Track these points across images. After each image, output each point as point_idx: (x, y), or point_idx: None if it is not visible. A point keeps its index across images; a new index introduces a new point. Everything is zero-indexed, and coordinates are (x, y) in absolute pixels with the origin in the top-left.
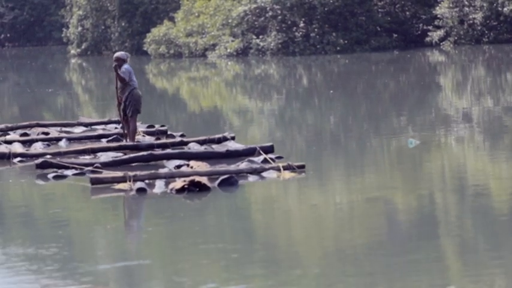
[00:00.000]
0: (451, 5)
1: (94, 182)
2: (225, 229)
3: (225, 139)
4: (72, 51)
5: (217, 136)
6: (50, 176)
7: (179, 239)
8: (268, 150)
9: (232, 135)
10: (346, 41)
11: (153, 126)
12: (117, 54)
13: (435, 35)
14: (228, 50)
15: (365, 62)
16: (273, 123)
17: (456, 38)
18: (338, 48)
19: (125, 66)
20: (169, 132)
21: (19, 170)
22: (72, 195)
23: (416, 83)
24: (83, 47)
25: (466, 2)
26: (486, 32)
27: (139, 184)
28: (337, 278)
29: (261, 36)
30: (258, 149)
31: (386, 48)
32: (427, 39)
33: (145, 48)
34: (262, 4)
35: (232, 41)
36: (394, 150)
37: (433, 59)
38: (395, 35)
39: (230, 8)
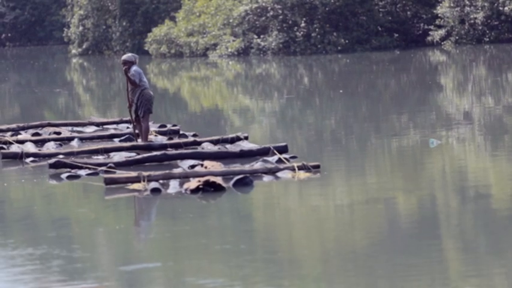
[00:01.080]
0: (452, 5)
1: (108, 182)
2: (241, 230)
3: (238, 139)
4: (73, 51)
5: (230, 136)
6: (64, 176)
7: (194, 239)
8: (282, 150)
9: (246, 135)
10: (347, 41)
11: (165, 126)
12: (124, 57)
13: (436, 35)
14: (229, 50)
15: (366, 62)
16: (280, 123)
17: (457, 37)
18: (339, 47)
19: (134, 68)
20: (181, 132)
21: (32, 170)
22: (86, 196)
23: (419, 83)
24: (84, 46)
25: (467, 2)
26: (487, 31)
27: (153, 184)
28: (362, 279)
29: (262, 36)
30: (272, 148)
31: (387, 47)
32: (428, 38)
33: (146, 48)
34: (263, 4)
35: (233, 40)
36: (408, 149)
37: (434, 58)
38: (396, 35)
39: (231, 7)
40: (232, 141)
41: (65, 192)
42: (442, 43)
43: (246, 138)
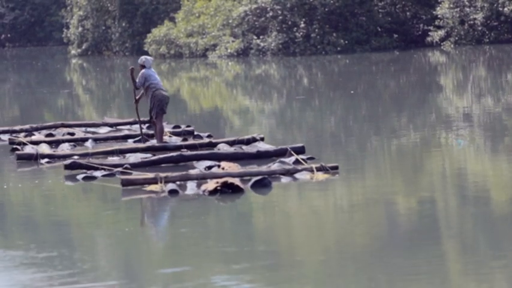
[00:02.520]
0: (451, 5)
1: (125, 183)
2: (262, 232)
3: (254, 140)
4: (73, 52)
5: (246, 137)
6: (79, 177)
7: (215, 242)
8: (299, 151)
9: (262, 136)
10: (346, 41)
11: (179, 127)
12: (139, 60)
13: (436, 35)
14: (229, 51)
15: (366, 62)
16: (292, 124)
17: (457, 38)
18: (338, 48)
19: (142, 71)
20: (195, 133)
21: (47, 171)
22: (103, 197)
23: (425, 83)
24: (83, 47)
25: (467, 3)
26: (487, 32)
27: (171, 186)
28: (385, 279)
29: (261, 37)
30: (289, 149)
31: (386, 48)
32: (428, 39)
33: (145, 49)
34: (263, 4)
35: (233, 41)
36: (424, 149)
37: (434, 59)
38: (395, 35)
39: (230, 8)
40: (248, 142)
41: (82, 193)
42: (442, 44)
43: (262, 139)
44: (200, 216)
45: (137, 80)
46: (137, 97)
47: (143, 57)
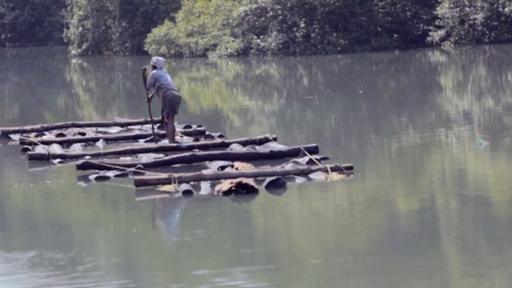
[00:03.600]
0: (451, 5)
1: (138, 183)
2: (279, 233)
3: (267, 140)
4: (73, 52)
5: (259, 137)
6: (92, 177)
7: (229, 242)
8: (313, 150)
9: (274, 136)
10: (346, 41)
11: (190, 127)
12: (150, 61)
13: (436, 35)
14: (229, 50)
15: (366, 62)
16: (303, 124)
17: (457, 38)
18: (338, 48)
19: (153, 71)
20: (207, 133)
21: (59, 171)
22: (117, 197)
23: (426, 83)
24: (83, 47)
25: (467, 2)
26: (487, 32)
27: (184, 186)
28: (409, 278)
29: (261, 37)
30: (303, 149)
31: (386, 48)
32: (428, 39)
33: (145, 49)
34: (263, 4)
35: (233, 41)
36: (437, 148)
37: (434, 59)
38: (396, 35)
39: (231, 8)
40: (261, 142)
41: (95, 194)
42: (442, 44)
43: (275, 139)
44: (215, 218)
45: (147, 81)
46: (149, 96)
47: (155, 58)
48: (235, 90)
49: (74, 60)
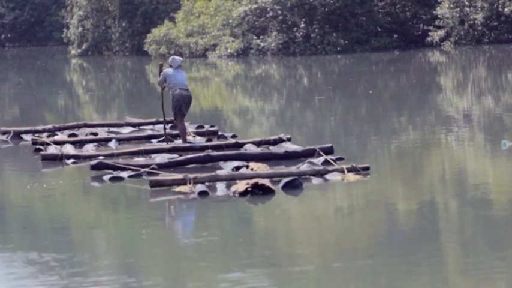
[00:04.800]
0: (451, 6)
1: (153, 184)
2: (299, 234)
3: (281, 140)
4: (73, 52)
5: (272, 137)
6: (106, 178)
7: (249, 244)
8: (328, 151)
9: (288, 136)
10: (346, 41)
11: (202, 127)
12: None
13: (436, 35)
14: (229, 51)
15: (366, 62)
16: (315, 124)
17: (457, 38)
18: (338, 48)
19: (165, 70)
20: (220, 133)
21: (72, 172)
22: (131, 198)
23: (426, 83)
24: (83, 47)
25: (467, 3)
26: (487, 32)
27: (200, 187)
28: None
29: (261, 37)
30: (318, 150)
31: (386, 48)
32: (428, 39)
33: (145, 49)
34: (263, 4)
35: (233, 41)
36: (452, 147)
37: (434, 59)
38: (395, 35)
39: (230, 8)
40: (275, 142)
41: (110, 194)
42: (442, 44)
43: (289, 139)
44: (232, 219)
45: (159, 78)
46: (161, 92)
47: (171, 57)
48: (235, 90)
49: (73, 61)
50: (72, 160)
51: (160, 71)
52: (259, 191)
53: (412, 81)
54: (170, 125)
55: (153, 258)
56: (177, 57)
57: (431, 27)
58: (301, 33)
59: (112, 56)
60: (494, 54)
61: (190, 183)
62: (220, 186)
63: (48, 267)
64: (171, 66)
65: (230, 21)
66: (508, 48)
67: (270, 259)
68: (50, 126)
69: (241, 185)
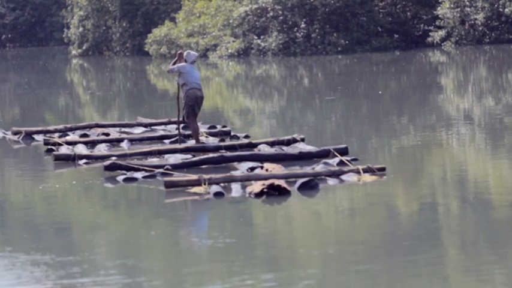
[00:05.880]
0: (452, 6)
1: (168, 185)
2: (317, 236)
3: (294, 141)
4: (73, 52)
5: (286, 138)
6: (119, 178)
7: (268, 245)
8: (343, 152)
9: (302, 136)
10: (347, 42)
11: (215, 127)
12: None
13: (436, 36)
14: (229, 51)
15: (366, 63)
16: (328, 125)
17: (457, 38)
18: (339, 48)
19: (183, 64)
20: (232, 133)
21: (85, 172)
22: (146, 199)
23: (427, 84)
24: (84, 47)
25: (467, 3)
26: (487, 32)
27: (215, 188)
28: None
29: (262, 37)
30: (333, 150)
31: (387, 48)
32: (428, 39)
33: (146, 49)
34: (263, 5)
35: (234, 41)
36: (468, 149)
37: (434, 59)
38: (396, 36)
39: (231, 8)
40: (289, 143)
41: (124, 195)
42: (442, 44)
43: (303, 140)
44: (249, 220)
45: (173, 66)
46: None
47: (187, 51)
48: (236, 90)
49: (74, 61)
50: (84, 160)
51: (179, 57)
52: (275, 192)
53: (416, 82)
54: (182, 125)
55: (168, 259)
56: (192, 52)
57: (431, 28)
58: (301, 33)
59: (113, 56)
60: (495, 54)
61: (205, 184)
62: (236, 187)
63: (63, 267)
64: (185, 61)
65: (231, 21)
66: (509, 49)
67: (286, 261)
68: (61, 126)
69: (257, 186)
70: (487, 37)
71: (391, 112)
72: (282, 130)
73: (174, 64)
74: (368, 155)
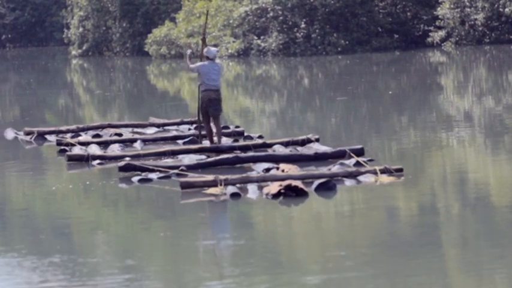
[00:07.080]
0: (452, 6)
1: (184, 186)
2: (336, 237)
3: (309, 141)
4: (73, 52)
5: (301, 138)
6: (134, 179)
7: (286, 247)
8: (358, 152)
9: (317, 137)
10: (347, 42)
11: (228, 128)
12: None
13: (436, 36)
14: (229, 51)
15: (367, 63)
16: (342, 125)
17: (457, 38)
18: (339, 49)
19: (204, 62)
20: (246, 134)
21: (99, 173)
22: (162, 200)
23: (427, 84)
24: (84, 47)
25: (467, 3)
26: (487, 32)
27: (231, 189)
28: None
29: (262, 37)
30: (348, 151)
31: (387, 48)
32: (428, 39)
33: (146, 49)
34: (263, 5)
35: (234, 41)
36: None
37: (434, 59)
38: (396, 36)
39: (231, 8)
40: (303, 143)
41: (140, 196)
42: (443, 44)
43: (317, 140)
44: (267, 222)
45: (193, 66)
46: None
47: (206, 48)
48: (238, 90)
49: (74, 61)
50: (98, 161)
51: (202, 45)
52: (292, 193)
53: (418, 82)
54: (195, 125)
55: (185, 260)
56: (212, 48)
57: (431, 28)
58: (301, 33)
59: (113, 56)
60: (495, 54)
61: (221, 185)
62: (252, 188)
63: (85, 267)
64: (208, 57)
65: (231, 21)
66: (509, 49)
67: (304, 263)
68: (74, 126)
69: (273, 187)
70: (487, 37)
71: (406, 112)
72: (295, 130)
73: (202, 49)
74: (383, 155)
